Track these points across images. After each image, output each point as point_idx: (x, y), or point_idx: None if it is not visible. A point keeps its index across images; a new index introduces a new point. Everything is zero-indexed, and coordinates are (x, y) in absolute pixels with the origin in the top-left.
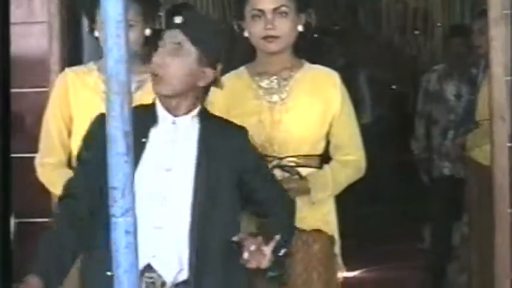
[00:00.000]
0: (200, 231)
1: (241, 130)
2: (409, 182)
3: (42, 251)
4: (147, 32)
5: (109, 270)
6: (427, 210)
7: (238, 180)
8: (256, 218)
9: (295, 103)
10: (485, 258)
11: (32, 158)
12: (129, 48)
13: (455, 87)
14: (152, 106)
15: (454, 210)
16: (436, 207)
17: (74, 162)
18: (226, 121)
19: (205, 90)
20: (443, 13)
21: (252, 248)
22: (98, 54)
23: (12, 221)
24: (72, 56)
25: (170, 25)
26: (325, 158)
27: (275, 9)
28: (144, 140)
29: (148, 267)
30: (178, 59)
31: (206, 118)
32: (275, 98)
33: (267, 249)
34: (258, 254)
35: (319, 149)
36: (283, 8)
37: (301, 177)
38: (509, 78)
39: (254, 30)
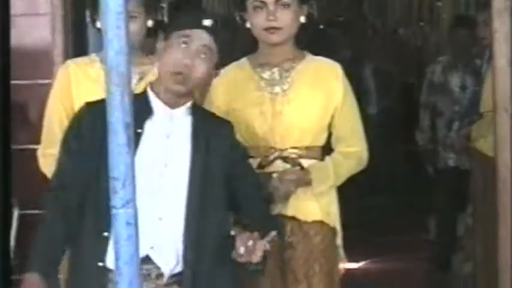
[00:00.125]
0: (195, 224)
1: (229, 124)
2: (414, 173)
3: (37, 246)
4: (149, 23)
5: (100, 261)
6: (432, 201)
7: (227, 174)
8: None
9: (297, 94)
10: (490, 249)
11: (36, 150)
12: (130, 40)
13: (460, 78)
14: (143, 96)
15: (458, 201)
16: (441, 198)
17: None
18: (213, 115)
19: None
20: (448, 4)
21: (250, 243)
22: (103, 46)
23: (16, 213)
24: (78, 48)
25: (189, 24)
26: (327, 150)
27: (277, 0)
28: (139, 130)
29: (146, 259)
30: (207, 61)
31: (197, 111)
32: (277, 89)
33: (262, 245)
34: (252, 248)
35: (321, 141)
36: None
37: (303, 169)
38: None
39: (256, 22)
